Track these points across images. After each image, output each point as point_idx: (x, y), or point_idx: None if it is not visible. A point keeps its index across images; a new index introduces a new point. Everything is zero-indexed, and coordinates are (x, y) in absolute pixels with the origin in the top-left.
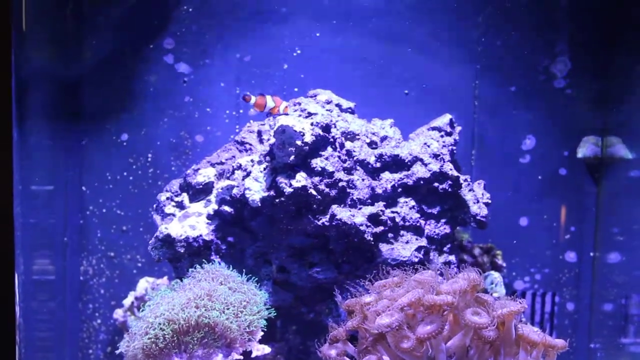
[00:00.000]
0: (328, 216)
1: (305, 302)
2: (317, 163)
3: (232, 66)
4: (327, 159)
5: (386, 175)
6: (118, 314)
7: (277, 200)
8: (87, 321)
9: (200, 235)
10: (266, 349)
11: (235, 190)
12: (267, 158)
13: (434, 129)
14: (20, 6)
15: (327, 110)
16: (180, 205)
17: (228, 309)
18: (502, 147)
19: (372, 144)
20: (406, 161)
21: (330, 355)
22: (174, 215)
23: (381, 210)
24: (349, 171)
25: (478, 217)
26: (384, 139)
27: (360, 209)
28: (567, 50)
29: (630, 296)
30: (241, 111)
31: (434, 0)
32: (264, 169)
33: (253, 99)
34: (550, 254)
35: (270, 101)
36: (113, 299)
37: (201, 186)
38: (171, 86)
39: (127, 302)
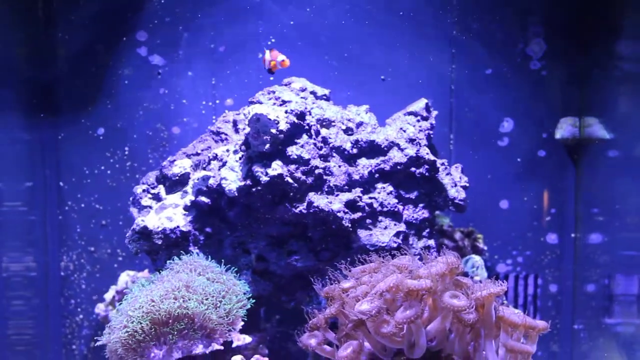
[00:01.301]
0: (305, 204)
1: (285, 290)
2: (292, 151)
3: (206, 57)
4: (302, 146)
5: (363, 161)
6: (100, 308)
7: (253, 190)
8: (69, 317)
9: (178, 227)
10: (247, 339)
11: (211, 181)
12: (243, 147)
13: (410, 113)
14: None
15: (301, 97)
16: (157, 197)
17: (207, 299)
18: (480, 130)
19: (348, 131)
20: (382, 147)
21: (310, 344)
22: (150, 207)
23: (358, 197)
24: (325, 158)
25: (456, 201)
26: (359, 125)
27: (337, 195)
28: (542, 31)
29: (613, 276)
30: (217, 102)
31: None
32: (240, 158)
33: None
34: (532, 236)
35: (267, 56)
36: (94, 294)
37: (177, 177)
38: (146, 78)
39: (108, 296)
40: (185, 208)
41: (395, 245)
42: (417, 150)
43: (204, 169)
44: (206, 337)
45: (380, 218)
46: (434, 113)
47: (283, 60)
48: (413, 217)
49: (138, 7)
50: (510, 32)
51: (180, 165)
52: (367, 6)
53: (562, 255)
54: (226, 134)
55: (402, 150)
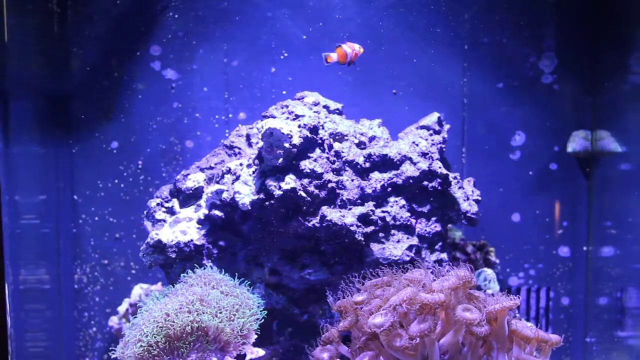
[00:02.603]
0: (318, 217)
1: (298, 303)
2: (305, 165)
3: (219, 71)
4: (315, 160)
5: (375, 175)
6: (113, 321)
7: (267, 203)
8: (82, 329)
9: (191, 240)
10: (260, 352)
11: (225, 195)
12: (256, 161)
13: (422, 127)
14: (2, 17)
15: (314, 112)
16: (171, 211)
17: (221, 312)
18: (492, 144)
19: (360, 145)
20: (395, 160)
21: (322, 358)
22: (164, 221)
23: (371, 210)
24: (338, 172)
25: (468, 214)
26: (372, 139)
27: (350, 209)
28: (553, 45)
29: (626, 289)
30: (230, 115)
31: None
32: (253, 172)
33: (334, 55)
34: (544, 249)
35: (347, 48)
36: (108, 307)
37: (191, 191)
38: (159, 93)
39: (121, 309)
40: (199, 222)
41: (407, 258)
42: (430, 164)
43: (218, 182)
44: (220, 350)
45: (392, 232)
46: (446, 127)
47: (360, 48)
48: (425, 230)
49: (152, 22)
50: (522, 46)
51: (194, 179)
52: (379, 21)
53: (575, 268)
54: (239, 148)
55: (414, 164)
